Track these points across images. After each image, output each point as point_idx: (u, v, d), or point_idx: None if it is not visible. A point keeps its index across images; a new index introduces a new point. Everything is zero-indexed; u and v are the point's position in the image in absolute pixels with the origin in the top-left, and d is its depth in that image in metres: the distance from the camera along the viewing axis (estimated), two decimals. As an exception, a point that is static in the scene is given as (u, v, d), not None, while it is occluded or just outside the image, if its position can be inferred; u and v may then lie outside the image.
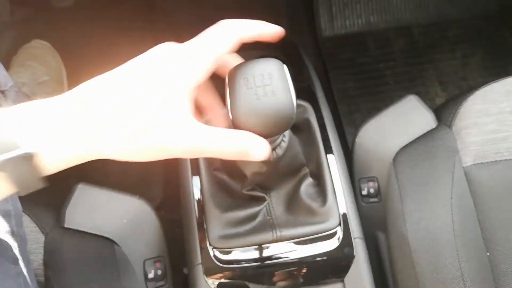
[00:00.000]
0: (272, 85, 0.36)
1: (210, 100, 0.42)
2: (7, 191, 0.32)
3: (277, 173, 0.50)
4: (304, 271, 0.50)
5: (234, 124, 0.37)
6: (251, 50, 0.84)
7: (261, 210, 0.52)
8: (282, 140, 0.45)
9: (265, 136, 0.37)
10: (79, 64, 1.07)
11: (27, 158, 0.30)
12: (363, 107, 1.09)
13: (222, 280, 0.50)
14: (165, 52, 0.34)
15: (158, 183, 0.96)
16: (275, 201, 0.53)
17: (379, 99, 1.10)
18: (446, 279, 0.49)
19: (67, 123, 0.32)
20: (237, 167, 0.49)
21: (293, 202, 0.52)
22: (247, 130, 0.36)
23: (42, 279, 0.49)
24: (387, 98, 1.14)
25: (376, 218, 0.60)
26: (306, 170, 0.54)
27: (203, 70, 0.34)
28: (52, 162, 0.32)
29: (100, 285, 0.47)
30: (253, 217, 0.52)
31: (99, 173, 0.98)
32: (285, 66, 0.38)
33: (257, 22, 0.38)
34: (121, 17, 1.10)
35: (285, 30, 1.02)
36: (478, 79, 1.12)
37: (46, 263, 0.49)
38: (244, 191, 0.51)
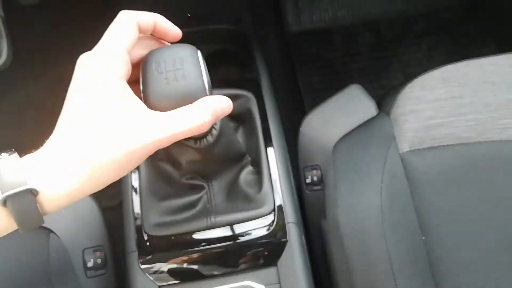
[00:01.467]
0: (183, 70, 0.37)
1: None
2: (8, 227, 0.34)
3: (213, 160, 0.51)
4: (237, 256, 0.51)
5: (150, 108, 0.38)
6: (202, 45, 0.85)
7: (200, 198, 0.53)
8: (213, 127, 0.46)
9: None
10: (44, 62, 1.07)
11: (31, 193, 0.32)
12: (328, 101, 1.10)
13: (156, 268, 0.51)
14: (85, 67, 0.36)
15: (119, 179, 0.96)
16: (217, 189, 0.54)
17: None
18: (373, 261, 0.49)
19: (62, 163, 0.34)
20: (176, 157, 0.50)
21: (232, 190, 0.53)
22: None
23: None
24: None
25: (319, 205, 0.61)
26: (247, 158, 0.55)
27: (121, 64, 0.36)
28: (54, 199, 0.34)
29: (32, 272, 0.48)
30: (192, 205, 0.53)
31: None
32: (198, 52, 0.39)
33: (155, 15, 0.39)
34: (87, 16, 1.10)
35: (249, 24, 1.01)
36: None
37: None
38: (183, 180, 0.52)
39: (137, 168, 0.55)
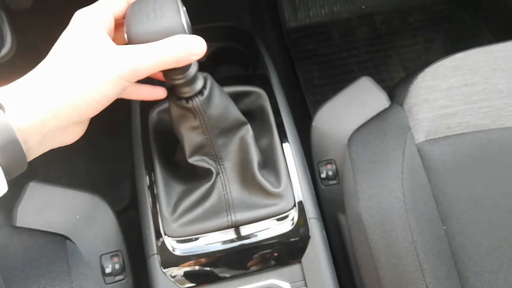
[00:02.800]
0: (161, 9, 0.40)
1: None
2: None
3: (212, 127, 0.50)
4: (261, 254, 0.50)
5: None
6: (209, 42, 0.84)
7: (214, 184, 0.52)
8: (204, 87, 0.47)
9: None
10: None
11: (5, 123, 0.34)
12: (329, 96, 1.09)
13: (179, 270, 0.49)
14: (80, 20, 0.41)
15: (126, 183, 0.95)
16: (231, 174, 0.52)
17: (344, 87, 1.10)
18: (399, 253, 0.49)
19: (30, 91, 0.37)
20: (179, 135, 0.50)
21: (247, 178, 0.52)
22: None
23: None
24: (351, 86, 1.15)
25: (335, 200, 0.61)
26: (248, 129, 0.53)
27: (106, 20, 0.41)
28: (27, 126, 0.36)
29: (48, 279, 0.47)
30: (207, 194, 0.51)
31: (66, 175, 0.97)
32: None
33: None
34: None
35: (248, 21, 1.00)
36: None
37: None
38: (191, 161, 0.51)
39: (153, 170, 0.54)
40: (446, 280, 0.50)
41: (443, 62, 0.61)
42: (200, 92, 0.46)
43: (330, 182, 0.62)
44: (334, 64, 1.14)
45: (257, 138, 0.57)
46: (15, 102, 0.36)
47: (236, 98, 0.59)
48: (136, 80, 0.40)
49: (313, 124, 0.64)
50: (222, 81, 0.60)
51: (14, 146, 0.35)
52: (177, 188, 0.53)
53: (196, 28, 0.82)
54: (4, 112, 0.35)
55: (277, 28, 1.16)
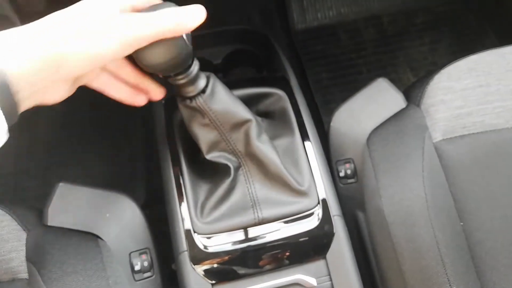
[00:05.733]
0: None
1: None
2: None
3: (221, 122, 0.51)
4: (287, 251, 0.52)
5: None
6: (225, 45, 0.85)
7: (235, 178, 0.53)
8: (206, 85, 0.48)
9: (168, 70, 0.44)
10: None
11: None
12: (339, 97, 1.12)
13: (208, 266, 0.51)
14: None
15: (140, 183, 0.96)
16: (253, 170, 0.53)
17: (353, 88, 1.11)
18: (421, 248, 0.51)
19: (30, 35, 0.36)
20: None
21: (272, 175, 0.53)
22: (153, 71, 0.43)
23: (25, 275, 0.49)
24: (361, 86, 1.16)
25: (354, 198, 0.62)
26: (251, 121, 0.53)
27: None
28: (24, 68, 0.35)
29: (85, 276, 0.48)
30: (230, 188, 0.53)
31: (81, 176, 0.98)
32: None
33: None
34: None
35: (258, 23, 1.02)
36: (445, 64, 1.16)
37: (29, 259, 0.50)
38: (208, 157, 0.52)
39: (179, 168, 0.55)
40: (465, 274, 0.52)
41: (457, 64, 0.63)
42: (203, 90, 0.48)
43: (349, 181, 0.63)
44: (343, 65, 1.15)
45: (278, 138, 0.58)
46: (7, 47, 0.35)
47: (257, 99, 0.61)
48: (133, 50, 0.39)
49: (332, 124, 0.65)
50: (242, 83, 0.62)
51: (7, 92, 0.34)
52: (203, 187, 0.54)
53: (209, 31, 0.84)
54: None
55: (285, 30, 1.18)
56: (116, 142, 1.02)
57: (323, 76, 1.14)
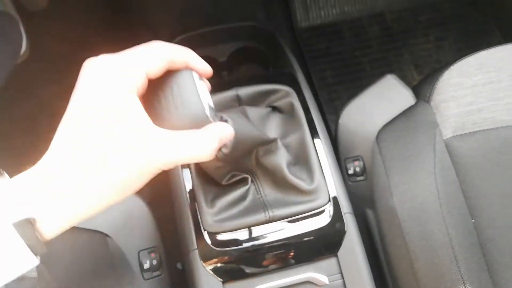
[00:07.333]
0: (180, 97, 0.36)
1: None
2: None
3: (238, 158, 0.51)
4: (298, 248, 0.51)
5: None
6: (230, 42, 0.84)
7: (249, 188, 0.53)
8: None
9: None
10: (56, 68, 1.06)
11: (30, 223, 0.31)
12: (343, 94, 1.11)
13: (219, 264, 0.50)
14: (96, 76, 0.32)
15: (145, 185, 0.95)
16: (261, 177, 0.54)
17: (357, 86, 1.12)
18: (435, 245, 0.50)
19: (58, 189, 0.32)
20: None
21: (279, 181, 0.53)
22: None
23: (34, 274, 0.49)
24: (366, 84, 1.15)
25: (363, 195, 0.62)
26: (275, 140, 0.53)
27: (137, 78, 0.33)
28: (53, 225, 0.32)
29: (95, 275, 0.47)
30: (243, 197, 0.53)
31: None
32: (194, 74, 0.37)
33: (188, 52, 0.37)
34: (97, 19, 1.09)
35: (262, 21, 1.01)
36: (452, 61, 1.16)
37: None
38: (224, 183, 0.53)
39: (189, 166, 0.54)
40: (478, 272, 0.51)
41: (467, 60, 0.63)
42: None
43: (358, 178, 0.63)
44: (347, 63, 1.15)
45: (287, 135, 0.58)
46: (40, 210, 0.31)
47: (264, 96, 0.60)
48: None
49: (340, 121, 0.65)
50: (249, 80, 0.61)
51: (39, 251, 0.32)
52: (213, 186, 0.54)
53: (216, 28, 0.83)
54: (34, 224, 0.31)
55: (289, 28, 1.18)
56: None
57: (327, 73, 1.14)
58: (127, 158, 0.31)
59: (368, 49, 1.16)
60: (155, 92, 0.36)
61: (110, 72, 0.32)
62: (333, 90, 1.12)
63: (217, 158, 0.46)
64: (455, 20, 1.19)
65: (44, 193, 0.31)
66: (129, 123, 0.31)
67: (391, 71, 1.15)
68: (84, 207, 0.32)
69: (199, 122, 0.36)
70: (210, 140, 0.35)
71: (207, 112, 0.37)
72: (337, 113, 0.89)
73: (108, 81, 0.32)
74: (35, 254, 0.33)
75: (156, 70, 0.34)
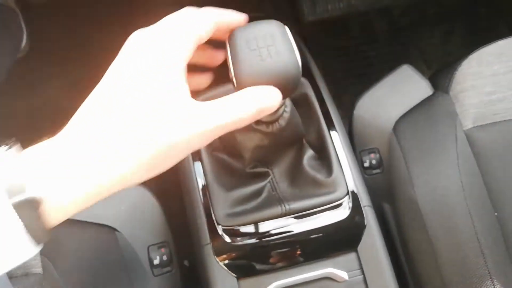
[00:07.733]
0: (275, 46, 0.35)
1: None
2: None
3: (281, 144, 0.49)
4: (316, 243, 0.49)
5: (239, 88, 0.36)
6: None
7: (265, 185, 0.51)
8: (285, 110, 0.44)
9: None
10: (60, 63, 1.03)
11: (33, 203, 0.27)
12: (351, 89, 1.09)
13: (233, 259, 0.48)
14: (141, 45, 0.31)
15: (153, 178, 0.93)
16: (278, 176, 0.52)
17: (365, 81, 1.09)
18: (460, 239, 0.48)
19: (72, 161, 0.28)
20: (237, 145, 0.48)
21: (297, 176, 0.51)
22: None
23: (39, 270, 0.46)
24: (373, 79, 1.14)
25: (380, 189, 0.60)
26: (303, 141, 0.53)
27: (185, 53, 0.31)
28: (62, 206, 0.29)
29: (103, 271, 0.45)
30: (258, 193, 0.51)
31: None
32: (286, 28, 0.37)
33: (233, 12, 0.37)
34: (100, 13, 1.07)
35: (269, 15, 1.01)
36: (460, 55, 1.14)
37: (44, 253, 0.47)
38: (247, 170, 0.50)
39: (200, 159, 0.52)
40: (504, 265, 0.49)
41: (486, 49, 0.61)
42: (282, 115, 0.43)
43: (374, 171, 0.61)
44: (354, 58, 1.13)
45: (305, 128, 0.56)
46: (52, 174, 0.28)
47: None
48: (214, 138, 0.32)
49: (355, 112, 0.63)
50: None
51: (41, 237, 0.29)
52: (227, 180, 0.52)
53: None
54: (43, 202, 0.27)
55: (296, 21, 1.16)
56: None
57: (334, 67, 1.12)
58: (160, 133, 0.29)
59: (375, 44, 1.15)
60: (239, 42, 0.35)
61: (157, 43, 0.31)
62: (341, 85, 1.10)
63: (271, 130, 0.44)
64: (462, 14, 1.17)
65: (56, 166, 0.28)
66: (170, 96, 0.29)
67: (398, 66, 1.14)
68: (99, 185, 0.29)
69: (290, 73, 0.35)
70: (248, 105, 0.33)
71: (299, 64, 0.36)
72: (344, 108, 0.87)
73: (154, 51, 0.30)
74: (37, 242, 0.29)
75: (206, 36, 0.33)
